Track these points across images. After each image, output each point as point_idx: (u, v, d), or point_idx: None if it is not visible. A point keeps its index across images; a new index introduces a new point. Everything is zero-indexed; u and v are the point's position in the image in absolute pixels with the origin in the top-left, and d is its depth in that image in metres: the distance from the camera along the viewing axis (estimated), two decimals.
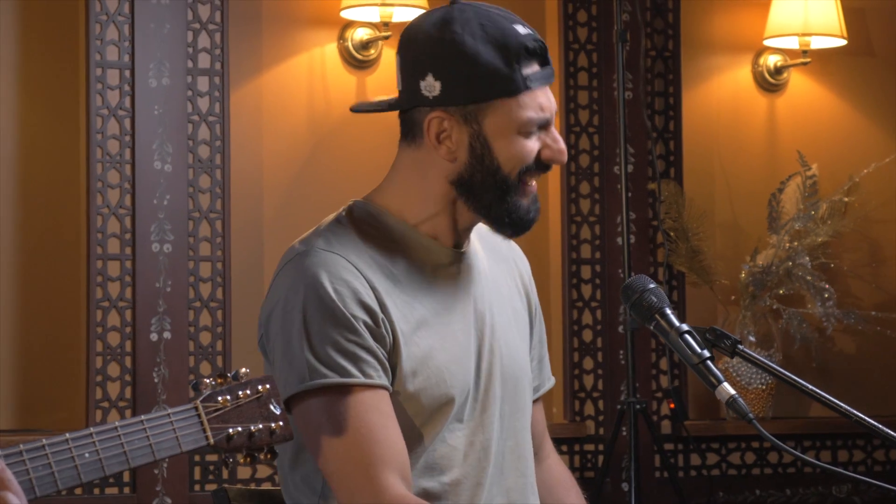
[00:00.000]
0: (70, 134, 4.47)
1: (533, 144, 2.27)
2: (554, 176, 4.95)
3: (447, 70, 2.24)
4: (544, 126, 2.28)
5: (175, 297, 4.39)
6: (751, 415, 2.14)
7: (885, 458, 5.26)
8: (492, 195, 2.27)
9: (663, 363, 4.94)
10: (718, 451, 5.06)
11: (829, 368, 5.27)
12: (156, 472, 4.32)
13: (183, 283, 4.40)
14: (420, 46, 2.28)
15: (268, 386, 1.86)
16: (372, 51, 4.77)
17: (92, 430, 1.70)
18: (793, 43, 5.15)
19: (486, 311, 2.33)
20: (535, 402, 2.48)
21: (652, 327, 2.25)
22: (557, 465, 2.51)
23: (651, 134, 4.96)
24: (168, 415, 1.75)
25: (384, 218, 2.30)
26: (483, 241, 2.43)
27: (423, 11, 2.56)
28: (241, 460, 1.81)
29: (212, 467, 4.44)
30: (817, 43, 5.16)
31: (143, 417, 1.72)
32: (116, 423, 1.72)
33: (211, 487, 4.43)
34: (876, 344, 5.28)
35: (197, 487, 4.42)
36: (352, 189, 2.45)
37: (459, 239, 2.34)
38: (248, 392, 1.84)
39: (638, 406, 4.44)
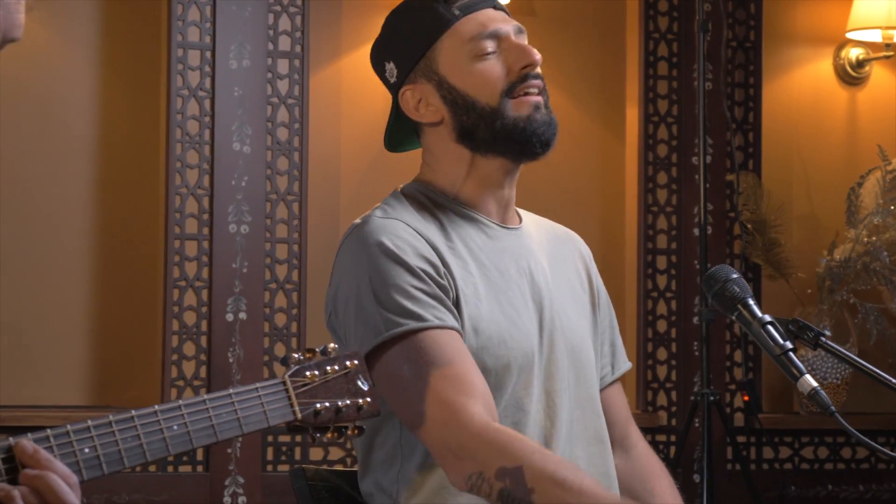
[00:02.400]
0: (150, 114, 4.50)
1: (494, 65, 2.30)
2: (631, 165, 4.93)
3: (391, 48, 2.36)
4: (499, 42, 2.31)
5: (251, 278, 4.41)
6: (832, 407, 2.12)
7: None
8: (484, 128, 2.30)
9: (737, 355, 4.91)
10: (791, 444, 5.02)
11: None
12: (229, 451, 4.35)
13: (259, 264, 4.42)
14: (374, 47, 2.41)
15: (356, 362, 1.85)
16: None
17: (181, 402, 1.71)
18: (876, 36, 5.10)
19: (544, 285, 2.34)
20: (611, 384, 2.47)
21: (734, 317, 2.23)
22: (648, 454, 2.48)
23: (730, 125, 4.92)
24: (256, 388, 1.75)
25: (433, 194, 2.34)
26: (540, 226, 2.45)
27: None
28: (329, 436, 1.81)
29: (284, 448, 4.46)
30: None
31: (231, 391, 1.73)
32: (205, 397, 1.72)
33: (283, 468, 4.45)
34: None
35: (269, 468, 4.44)
36: None
37: (504, 212, 2.36)
38: (336, 367, 1.83)
39: (711, 398, 4.41)
